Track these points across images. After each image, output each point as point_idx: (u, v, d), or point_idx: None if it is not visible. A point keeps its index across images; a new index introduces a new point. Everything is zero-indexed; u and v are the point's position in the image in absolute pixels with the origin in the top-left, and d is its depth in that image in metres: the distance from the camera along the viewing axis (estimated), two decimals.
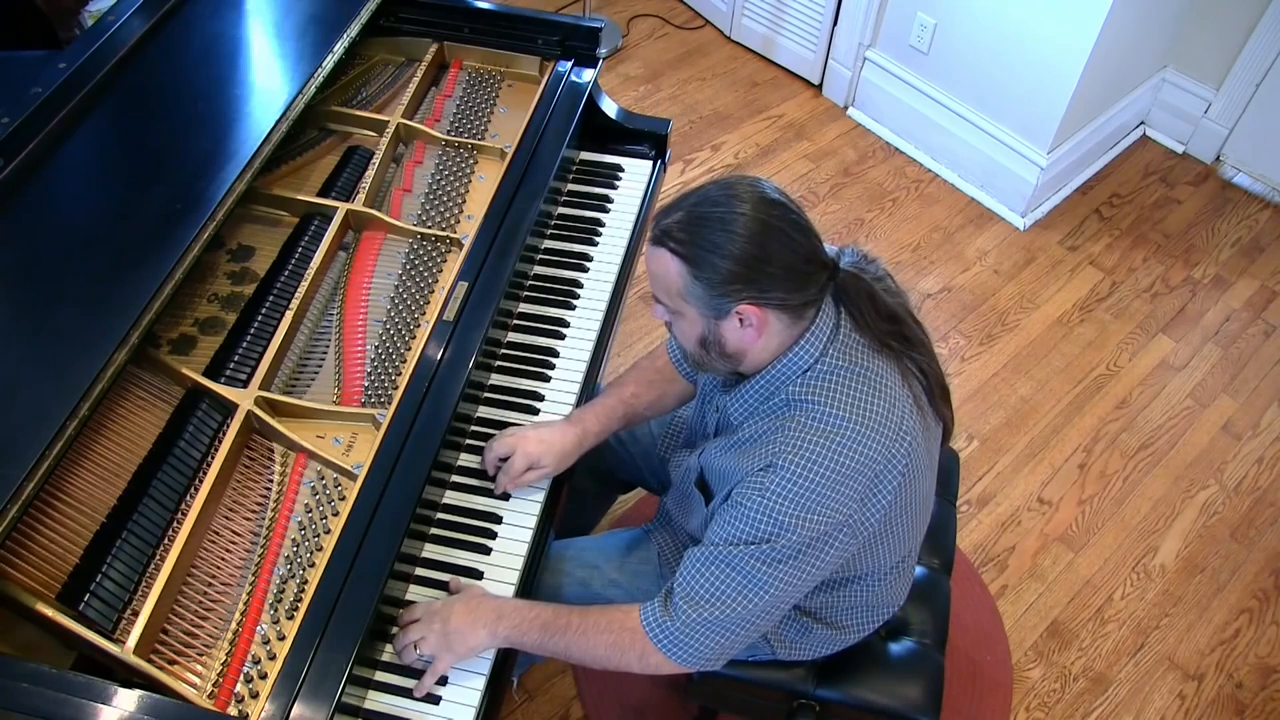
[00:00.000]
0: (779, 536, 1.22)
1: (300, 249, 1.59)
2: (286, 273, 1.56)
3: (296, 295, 1.51)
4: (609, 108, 1.97)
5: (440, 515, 1.47)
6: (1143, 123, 3.36)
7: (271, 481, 1.37)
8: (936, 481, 1.59)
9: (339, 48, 1.72)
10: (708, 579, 1.26)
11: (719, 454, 1.35)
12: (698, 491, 1.42)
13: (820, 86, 3.41)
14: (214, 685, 1.19)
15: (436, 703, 1.29)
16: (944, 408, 1.37)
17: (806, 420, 1.22)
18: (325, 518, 1.34)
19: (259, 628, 1.24)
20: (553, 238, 1.84)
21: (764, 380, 1.27)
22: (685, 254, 1.19)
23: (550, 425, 1.53)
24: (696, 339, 1.27)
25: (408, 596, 1.38)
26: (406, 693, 1.29)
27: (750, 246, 1.17)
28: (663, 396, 1.61)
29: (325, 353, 1.52)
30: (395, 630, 1.34)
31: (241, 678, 1.20)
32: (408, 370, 1.45)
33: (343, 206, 1.63)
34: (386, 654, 1.32)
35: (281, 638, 1.23)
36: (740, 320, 1.21)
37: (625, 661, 1.32)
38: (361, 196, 1.66)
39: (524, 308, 1.74)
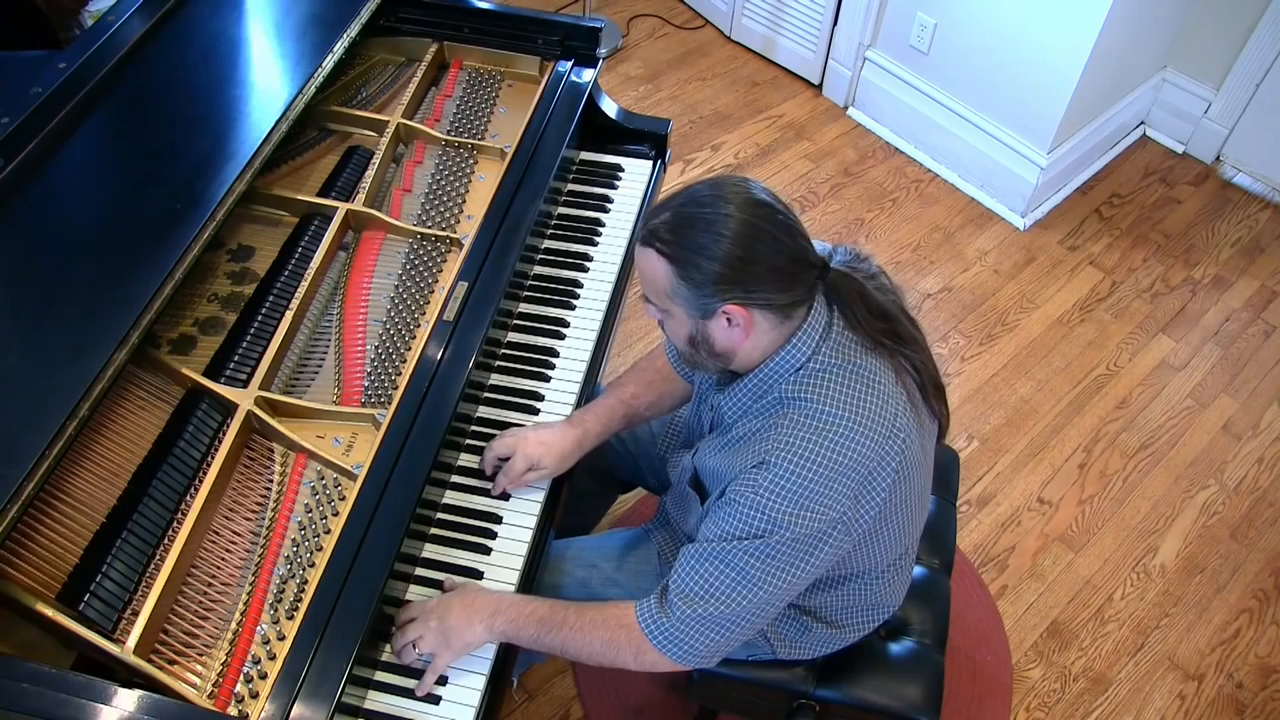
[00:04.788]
0: (772, 533, 1.22)
1: (300, 249, 1.59)
2: (286, 273, 1.56)
3: (296, 295, 1.51)
4: (609, 108, 1.97)
5: (440, 515, 1.47)
6: (1143, 123, 3.36)
7: (271, 481, 1.37)
8: (936, 481, 1.60)
9: (339, 48, 1.72)
10: (702, 575, 1.26)
11: (712, 453, 1.35)
12: (692, 491, 1.42)
13: (820, 86, 3.41)
14: (214, 685, 1.19)
15: (436, 703, 1.29)
16: (939, 404, 1.36)
17: (799, 418, 1.22)
18: (325, 518, 1.34)
19: (259, 627, 1.24)
20: (553, 238, 1.84)
21: (756, 379, 1.28)
22: (671, 254, 1.19)
23: (550, 426, 1.53)
24: (686, 338, 1.27)
25: (408, 596, 1.38)
26: (407, 693, 1.29)
27: (735, 248, 1.17)
28: (663, 396, 1.61)
29: (325, 353, 1.52)
30: (394, 630, 1.34)
31: (241, 678, 1.20)
32: (408, 370, 1.45)
33: (343, 206, 1.63)
34: (386, 654, 1.32)
35: (281, 638, 1.23)
36: (727, 320, 1.21)
37: (621, 659, 1.32)
38: (361, 196, 1.66)
39: (524, 308, 1.74)
